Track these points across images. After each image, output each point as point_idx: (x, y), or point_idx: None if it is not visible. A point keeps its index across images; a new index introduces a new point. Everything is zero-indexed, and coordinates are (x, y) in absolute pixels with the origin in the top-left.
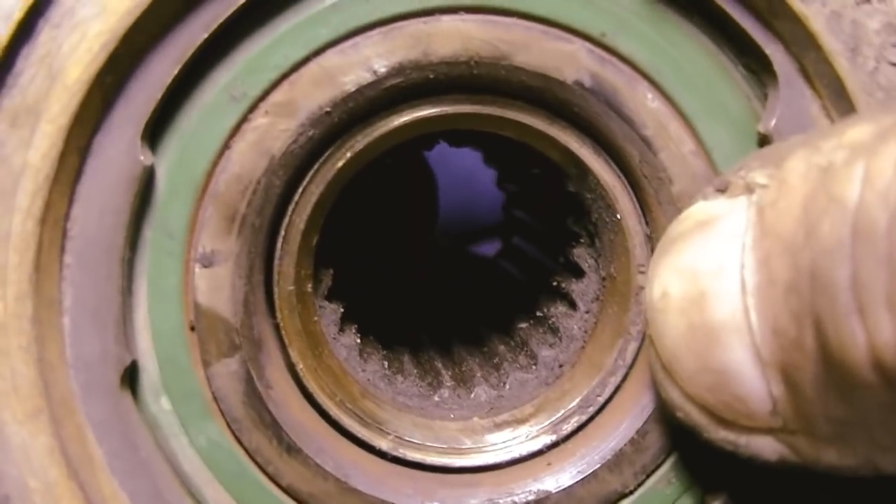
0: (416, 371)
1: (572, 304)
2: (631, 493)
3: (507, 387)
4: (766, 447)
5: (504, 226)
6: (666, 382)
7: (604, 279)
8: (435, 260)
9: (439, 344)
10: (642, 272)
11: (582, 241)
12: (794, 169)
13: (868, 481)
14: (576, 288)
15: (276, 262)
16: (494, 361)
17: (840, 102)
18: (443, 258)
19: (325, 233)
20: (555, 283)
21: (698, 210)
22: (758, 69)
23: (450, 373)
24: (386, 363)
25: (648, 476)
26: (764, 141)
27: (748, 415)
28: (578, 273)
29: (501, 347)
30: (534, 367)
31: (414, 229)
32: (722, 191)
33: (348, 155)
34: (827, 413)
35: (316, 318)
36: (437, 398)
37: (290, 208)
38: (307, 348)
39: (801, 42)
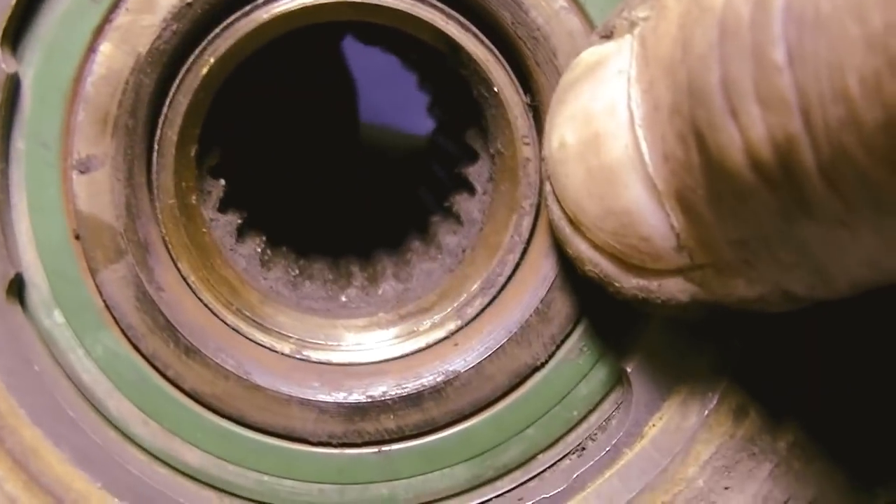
0: (328, 275)
1: (471, 189)
2: (542, 365)
3: (414, 279)
4: (677, 289)
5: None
6: (573, 237)
7: (493, 157)
8: (354, 163)
9: (357, 248)
10: (526, 143)
11: (471, 121)
12: None
13: (776, 322)
14: (472, 171)
15: (154, 174)
16: (406, 257)
17: None
18: (363, 162)
19: (210, 141)
20: (456, 171)
21: (587, 55)
22: None
23: (364, 273)
24: (291, 270)
25: (558, 347)
26: None
27: (655, 255)
28: (473, 156)
29: (416, 244)
30: (439, 256)
31: (330, 133)
32: (608, 36)
33: (211, 60)
34: (727, 236)
35: (205, 230)
36: (343, 298)
37: (161, 118)
38: (198, 260)
39: None
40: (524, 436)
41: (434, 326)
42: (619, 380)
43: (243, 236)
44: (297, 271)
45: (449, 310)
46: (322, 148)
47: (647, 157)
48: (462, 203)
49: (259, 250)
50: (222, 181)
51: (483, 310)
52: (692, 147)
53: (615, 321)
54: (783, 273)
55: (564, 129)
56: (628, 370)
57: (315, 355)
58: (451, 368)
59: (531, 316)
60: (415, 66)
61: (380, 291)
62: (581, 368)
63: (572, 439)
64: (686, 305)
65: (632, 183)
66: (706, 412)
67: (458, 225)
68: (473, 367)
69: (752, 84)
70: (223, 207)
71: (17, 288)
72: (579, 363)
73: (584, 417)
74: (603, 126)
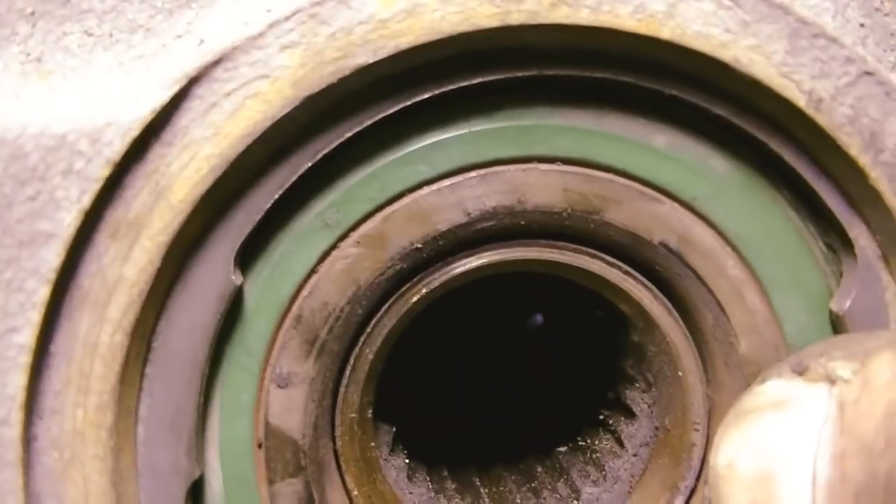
0: (456, 493)
1: (620, 443)
2: None
3: None
4: None
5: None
6: None
7: (657, 428)
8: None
9: (478, 462)
10: (697, 430)
11: (637, 385)
12: (880, 371)
13: None
14: (625, 429)
15: (342, 389)
16: (533, 485)
17: None
18: None
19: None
20: (602, 417)
21: (774, 388)
22: (838, 248)
23: (486, 490)
24: (430, 484)
25: None
26: (836, 320)
27: None
28: (630, 414)
29: (539, 469)
30: (576, 502)
31: None
32: (800, 373)
33: (423, 291)
34: None
35: (373, 444)
36: None
37: (363, 338)
38: (362, 473)
39: (889, 232)
40: None
41: None
42: None
43: (393, 448)
44: (431, 485)
45: None
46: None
47: None
48: (606, 454)
49: (406, 462)
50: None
51: None
52: None
53: None
54: None
55: (737, 451)
56: None
57: None
58: None
59: None
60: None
61: None
62: None
63: None
64: None
65: None
66: None
67: (599, 475)
68: None
69: None
70: (383, 419)
71: (195, 489)
72: None
73: None
74: (780, 470)
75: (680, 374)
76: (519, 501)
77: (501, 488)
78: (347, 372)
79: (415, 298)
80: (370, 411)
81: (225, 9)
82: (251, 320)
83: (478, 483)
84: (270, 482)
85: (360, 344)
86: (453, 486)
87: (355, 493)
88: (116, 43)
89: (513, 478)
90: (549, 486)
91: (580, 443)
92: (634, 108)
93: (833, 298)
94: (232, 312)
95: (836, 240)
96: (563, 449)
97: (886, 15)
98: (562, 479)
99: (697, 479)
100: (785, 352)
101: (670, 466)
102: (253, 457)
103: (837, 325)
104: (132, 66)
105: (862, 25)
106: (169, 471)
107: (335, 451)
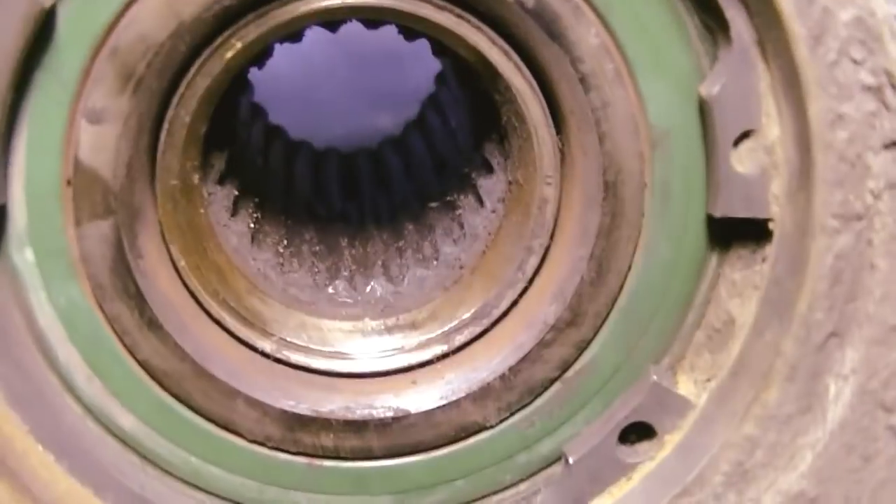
0: (316, 250)
1: (480, 200)
2: (491, 427)
3: (406, 283)
4: None
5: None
6: None
7: (510, 182)
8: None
9: (347, 221)
10: (549, 183)
11: (493, 137)
12: None
13: None
14: (484, 183)
15: (159, 155)
16: (399, 245)
17: (790, 87)
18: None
19: (219, 117)
20: (465, 171)
21: None
22: (714, 28)
23: (353, 251)
24: (282, 247)
25: (512, 414)
26: (703, 104)
27: None
28: (488, 168)
29: (410, 227)
30: (434, 263)
31: None
32: None
33: (238, 45)
34: None
35: (202, 211)
36: (330, 290)
37: (175, 98)
38: (191, 243)
39: (766, 17)
40: (453, 485)
41: (419, 347)
42: (558, 459)
43: (237, 210)
44: (283, 247)
45: (438, 332)
46: None
47: None
48: (467, 210)
49: (252, 225)
50: (226, 152)
51: (469, 343)
52: None
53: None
54: None
55: None
56: (569, 457)
57: (294, 357)
58: (402, 407)
59: (495, 380)
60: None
61: (368, 289)
62: (526, 439)
63: (496, 500)
64: None
65: None
66: None
67: (460, 232)
68: (424, 412)
69: None
70: (222, 179)
71: None
72: (526, 434)
73: (515, 484)
74: None
75: (528, 125)
76: (381, 262)
77: (367, 249)
78: (162, 135)
79: (230, 53)
80: (196, 176)
81: None
82: (64, 48)
83: (343, 243)
84: (77, 222)
85: (173, 104)
86: (314, 249)
87: (182, 263)
88: None
89: (383, 236)
90: (415, 246)
91: (448, 199)
92: None
93: (703, 82)
94: (42, 39)
95: (712, 18)
96: (434, 205)
97: None
98: (427, 239)
99: (552, 237)
100: (645, 128)
101: (523, 223)
102: (60, 194)
103: (705, 109)
104: None
105: None
106: None
107: (158, 220)
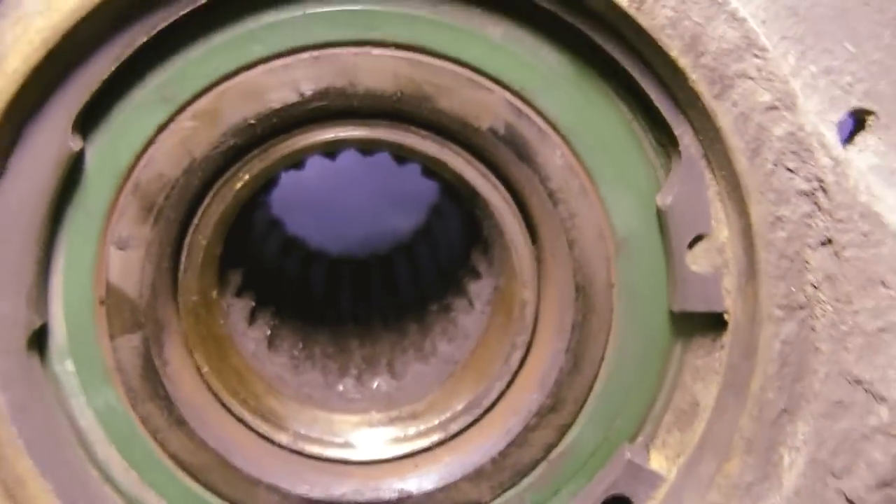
0: (328, 352)
1: (470, 302)
2: (486, 503)
3: (408, 378)
4: None
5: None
6: None
7: (495, 287)
8: None
9: (356, 323)
10: (527, 287)
11: (479, 247)
12: None
13: None
14: (473, 288)
15: (180, 275)
16: (404, 344)
17: (734, 194)
18: None
19: (235, 236)
20: (458, 278)
21: None
22: (666, 144)
23: (362, 351)
24: (297, 350)
25: (504, 490)
26: (661, 213)
27: None
28: (477, 274)
29: (414, 327)
30: (433, 360)
31: None
32: None
33: (246, 177)
34: None
35: (222, 322)
36: (340, 388)
37: (193, 223)
38: (211, 352)
39: (709, 133)
40: None
41: (419, 435)
42: None
43: (255, 319)
44: (298, 351)
45: (435, 422)
46: None
47: None
48: (461, 312)
49: (268, 332)
50: (241, 269)
51: (463, 430)
52: None
53: None
54: None
55: None
56: None
57: (308, 448)
58: (406, 489)
59: (487, 463)
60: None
61: (374, 385)
62: None
63: None
64: None
65: None
66: None
67: (455, 333)
68: (425, 492)
69: None
70: (240, 292)
71: (40, 337)
72: None
73: None
74: None
75: (506, 237)
76: (387, 361)
77: (376, 349)
78: (182, 258)
79: (239, 185)
80: (214, 293)
81: None
82: (92, 186)
83: (355, 344)
84: (111, 336)
85: (191, 230)
86: (326, 351)
87: (205, 369)
88: None
89: (391, 337)
90: (416, 345)
91: (444, 302)
92: (464, 2)
93: (659, 192)
94: (73, 178)
95: (664, 136)
96: (434, 308)
97: None
98: (427, 338)
99: (532, 333)
100: (610, 235)
101: (507, 323)
102: (94, 312)
103: (661, 217)
104: None
105: None
106: (9, 320)
107: (183, 333)
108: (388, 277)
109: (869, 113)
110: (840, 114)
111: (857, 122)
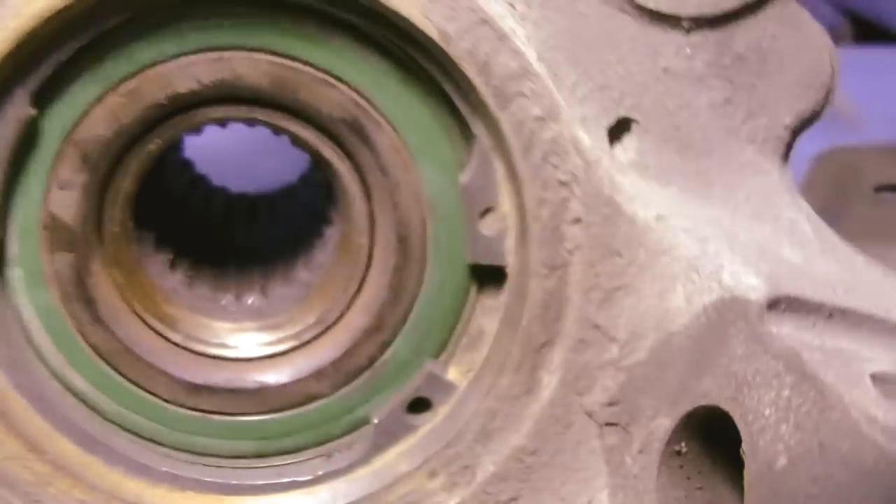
0: (215, 273)
1: (324, 242)
2: (326, 396)
3: (275, 298)
4: None
5: None
6: None
7: (342, 233)
8: None
9: (242, 249)
10: (362, 235)
11: (332, 202)
12: None
13: None
14: (328, 231)
15: (105, 210)
16: (274, 271)
17: (513, 179)
18: None
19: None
20: (318, 222)
21: None
22: (468, 137)
23: (239, 276)
24: (191, 271)
25: (339, 388)
26: (462, 189)
27: None
28: (330, 222)
29: (283, 257)
30: (294, 284)
31: None
32: None
33: (158, 140)
34: None
35: (135, 247)
36: (223, 302)
37: (117, 174)
38: (126, 270)
39: (496, 134)
40: (299, 434)
41: (279, 341)
42: (367, 421)
43: (160, 246)
44: (194, 273)
45: (292, 332)
46: None
47: None
48: (318, 250)
49: (171, 257)
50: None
51: (312, 340)
52: None
53: None
54: None
55: None
56: (374, 419)
57: (194, 346)
58: (266, 381)
59: (328, 365)
60: None
61: (248, 302)
62: (348, 406)
63: (328, 447)
64: None
65: None
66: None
67: (312, 264)
68: (281, 384)
69: None
70: (150, 224)
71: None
72: (348, 403)
73: (340, 436)
74: None
75: (349, 197)
76: (261, 284)
77: (253, 273)
78: (108, 196)
79: (152, 146)
80: (130, 224)
81: None
82: (43, 142)
83: (236, 270)
84: (51, 252)
85: (118, 172)
86: (213, 273)
87: (120, 282)
88: None
89: (265, 265)
90: (284, 273)
91: (308, 239)
92: (317, 21)
93: (461, 172)
94: (30, 137)
95: (466, 131)
96: (300, 244)
97: None
98: (293, 268)
99: (365, 270)
100: (424, 200)
101: (348, 260)
102: (40, 234)
103: (462, 192)
104: None
105: None
106: None
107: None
108: (272, 215)
109: (633, 121)
110: (611, 119)
111: (624, 127)
